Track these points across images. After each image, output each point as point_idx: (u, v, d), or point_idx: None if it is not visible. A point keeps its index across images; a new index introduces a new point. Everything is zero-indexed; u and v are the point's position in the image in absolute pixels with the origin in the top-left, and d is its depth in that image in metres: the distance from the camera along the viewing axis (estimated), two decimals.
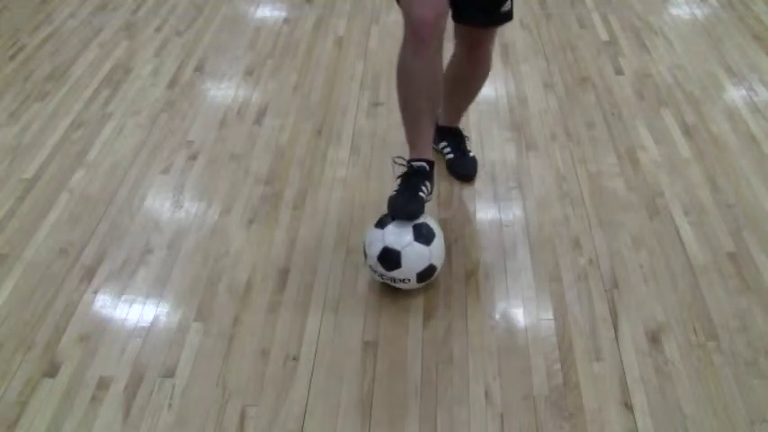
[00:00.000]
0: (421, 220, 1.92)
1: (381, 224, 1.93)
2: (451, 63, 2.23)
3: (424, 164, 1.99)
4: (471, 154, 2.46)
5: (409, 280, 1.90)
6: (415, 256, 1.87)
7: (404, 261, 1.86)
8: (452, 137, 2.46)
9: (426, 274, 1.91)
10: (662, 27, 3.26)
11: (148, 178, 2.45)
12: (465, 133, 2.49)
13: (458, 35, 2.16)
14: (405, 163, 2.04)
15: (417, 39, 1.87)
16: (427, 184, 2.00)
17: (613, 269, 2.04)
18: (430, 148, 2.04)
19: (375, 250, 1.89)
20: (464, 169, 2.42)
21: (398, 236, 1.88)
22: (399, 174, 2.03)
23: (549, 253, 2.10)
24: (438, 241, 1.92)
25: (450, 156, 2.45)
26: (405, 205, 1.93)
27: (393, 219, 1.92)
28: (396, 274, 1.88)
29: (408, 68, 1.93)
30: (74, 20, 3.50)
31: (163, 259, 2.13)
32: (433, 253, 1.90)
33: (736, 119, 2.64)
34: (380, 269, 1.90)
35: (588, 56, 3.05)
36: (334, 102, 2.80)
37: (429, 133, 2.03)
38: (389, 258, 1.87)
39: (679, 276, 2.02)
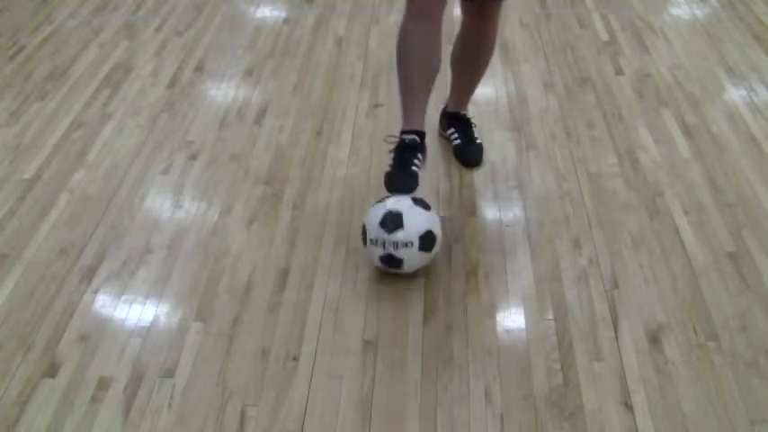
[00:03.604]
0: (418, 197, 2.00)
1: (381, 200, 2.00)
2: (457, 41, 2.29)
3: (415, 137, 2.06)
4: (478, 141, 2.49)
5: (412, 243, 1.88)
6: (417, 216, 1.91)
7: (406, 221, 1.87)
8: (460, 123, 2.50)
9: (427, 240, 1.90)
10: (662, 27, 3.26)
11: (148, 178, 2.45)
12: (473, 121, 2.52)
13: (464, 8, 2.19)
14: (396, 139, 2.08)
15: (422, 15, 1.96)
16: (419, 156, 2.07)
17: (613, 269, 2.04)
18: (422, 120, 2.10)
19: (376, 218, 1.91)
20: (470, 156, 2.45)
21: (399, 201, 1.95)
22: (392, 148, 2.09)
23: (549, 253, 2.10)
24: (435, 214, 1.99)
25: (458, 142, 2.48)
26: (401, 181, 2.03)
27: (390, 193, 2.01)
28: (399, 236, 1.87)
29: (410, 42, 2.00)
30: (74, 20, 3.50)
31: (163, 259, 2.13)
32: (432, 220, 1.94)
33: (736, 119, 2.64)
34: (382, 235, 1.88)
35: (588, 56, 3.05)
36: (334, 102, 2.80)
37: (423, 105, 2.10)
38: (392, 220, 1.88)
39: (679, 276, 2.02)
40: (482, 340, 1.86)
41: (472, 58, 2.32)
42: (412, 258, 1.92)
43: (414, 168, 2.05)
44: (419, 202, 1.97)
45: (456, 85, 2.44)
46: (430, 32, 1.98)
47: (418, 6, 1.96)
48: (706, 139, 2.54)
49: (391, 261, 1.92)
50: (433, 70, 2.07)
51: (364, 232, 1.96)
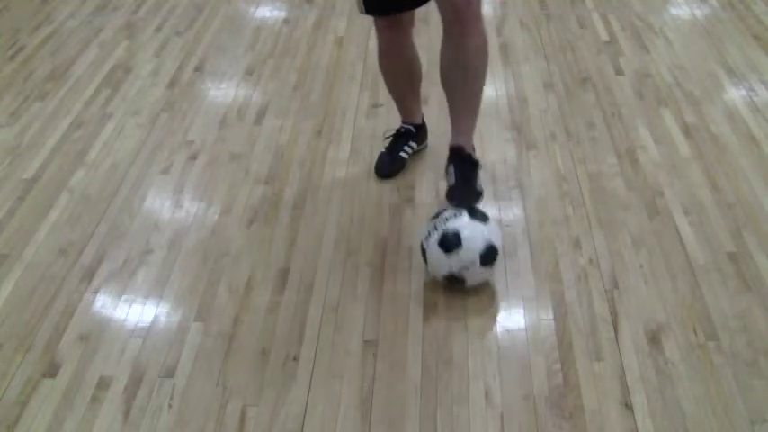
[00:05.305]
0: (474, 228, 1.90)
1: (437, 214, 1.95)
2: (441, 55, 2.02)
3: (410, 127, 2.36)
4: (479, 189, 2.18)
5: (473, 261, 1.86)
6: (475, 232, 1.87)
7: (465, 239, 1.84)
8: (459, 161, 2.16)
9: (488, 255, 1.87)
10: (662, 27, 3.26)
11: (148, 178, 2.45)
12: (480, 162, 2.23)
13: (442, 12, 1.92)
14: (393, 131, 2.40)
15: (386, 49, 2.18)
16: (411, 143, 2.38)
17: (613, 269, 2.04)
18: (417, 114, 2.40)
19: (434, 238, 1.88)
20: (456, 195, 2.12)
21: (456, 217, 1.89)
22: (389, 135, 2.40)
23: (549, 253, 2.10)
24: (495, 224, 1.99)
25: (452, 182, 2.16)
26: (387, 165, 2.36)
27: (377, 174, 2.34)
28: (459, 255, 1.84)
29: (385, 68, 2.26)
30: (74, 20, 3.50)
31: (163, 259, 2.13)
32: (492, 231, 1.91)
33: (736, 119, 2.64)
34: (442, 255, 1.86)
35: (588, 56, 3.05)
36: (334, 102, 2.80)
37: (414, 103, 2.37)
38: (451, 240, 1.85)
39: (679, 276, 2.02)
40: (482, 340, 1.86)
41: (459, 68, 2.00)
42: (474, 275, 1.89)
43: (402, 154, 2.36)
44: (476, 214, 1.91)
45: (451, 108, 2.14)
46: (400, 59, 2.20)
47: (380, 45, 2.17)
48: (706, 139, 2.54)
49: (454, 280, 1.90)
50: (415, 76, 2.28)
51: (423, 251, 1.92)
